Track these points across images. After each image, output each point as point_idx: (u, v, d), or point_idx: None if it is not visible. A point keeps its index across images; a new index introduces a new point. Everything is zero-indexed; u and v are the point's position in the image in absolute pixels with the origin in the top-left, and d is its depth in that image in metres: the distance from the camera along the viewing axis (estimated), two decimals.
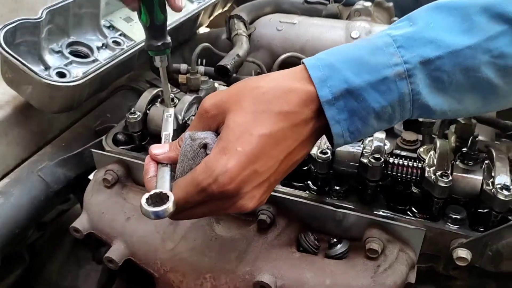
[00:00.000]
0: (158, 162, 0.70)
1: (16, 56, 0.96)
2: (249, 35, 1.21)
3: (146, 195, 0.62)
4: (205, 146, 0.66)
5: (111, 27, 1.23)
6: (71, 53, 1.11)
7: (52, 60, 1.07)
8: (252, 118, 0.62)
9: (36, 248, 1.27)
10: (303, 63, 0.66)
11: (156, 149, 0.70)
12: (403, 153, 0.95)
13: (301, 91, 0.63)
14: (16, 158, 1.10)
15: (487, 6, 0.61)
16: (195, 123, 0.68)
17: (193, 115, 0.98)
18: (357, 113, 0.63)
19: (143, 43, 1.19)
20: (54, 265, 1.26)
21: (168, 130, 0.83)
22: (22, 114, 1.10)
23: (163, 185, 0.65)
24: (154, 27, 0.83)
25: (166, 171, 0.69)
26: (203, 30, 1.73)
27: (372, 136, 0.86)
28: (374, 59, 0.62)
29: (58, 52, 1.09)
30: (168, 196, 0.62)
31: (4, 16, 1.23)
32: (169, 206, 0.60)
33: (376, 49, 0.63)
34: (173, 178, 0.68)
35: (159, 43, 0.85)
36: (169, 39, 0.86)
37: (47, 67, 1.05)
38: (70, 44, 1.12)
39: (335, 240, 0.84)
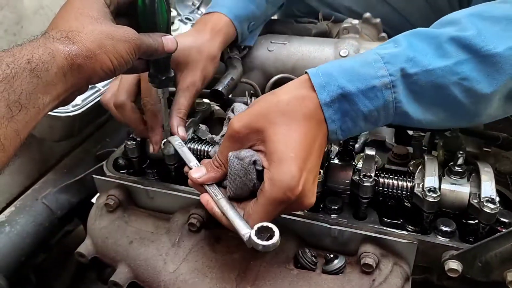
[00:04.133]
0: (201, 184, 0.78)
1: None
2: (242, 57, 1.25)
3: (255, 228, 0.68)
4: (255, 162, 0.72)
5: None
6: None
7: None
8: (287, 127, 0.72)
9: (42, 269, 1.29)
10: (306, 72, 0.76)
11: (195, 173, 0.78)
12: (394, 167, 0.99)
13: (312, 97, 0.73)
14: (20, 186, 1.13)
15: (456, 37, 0.73)
16: (227, 144, 0.76)
17: (189, 139, 1.00)
18: (348, 114, 0.74)
19: None
20: (61, 286, 1.28)
21: (191, 160, 0.85)
22: (23, 143, 1.13)
23: (237, 218, 0.73)
24: (159, 61, 0.83)
25: (224, 203, 0.75)
26: None
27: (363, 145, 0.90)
28: (365, 70, 0.74)
29: None
30: (272, 229, 0.68)
31: (3, 48, 1.26)
32: (277, 240, 0.67)
33: (366, 63, 0.75)
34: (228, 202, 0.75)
35: (163, 77, 0.84)
36: (172, 72, 0.86)
37: None
38: None
39: (331, 255, 0.86)
